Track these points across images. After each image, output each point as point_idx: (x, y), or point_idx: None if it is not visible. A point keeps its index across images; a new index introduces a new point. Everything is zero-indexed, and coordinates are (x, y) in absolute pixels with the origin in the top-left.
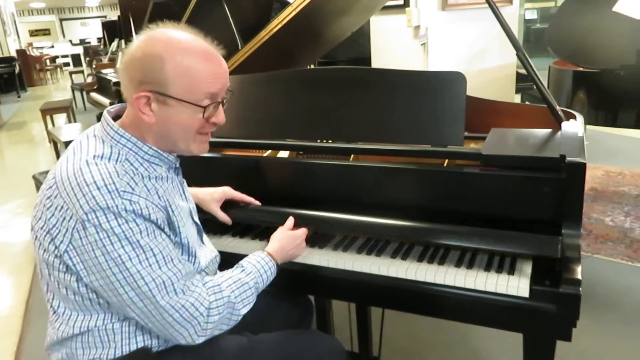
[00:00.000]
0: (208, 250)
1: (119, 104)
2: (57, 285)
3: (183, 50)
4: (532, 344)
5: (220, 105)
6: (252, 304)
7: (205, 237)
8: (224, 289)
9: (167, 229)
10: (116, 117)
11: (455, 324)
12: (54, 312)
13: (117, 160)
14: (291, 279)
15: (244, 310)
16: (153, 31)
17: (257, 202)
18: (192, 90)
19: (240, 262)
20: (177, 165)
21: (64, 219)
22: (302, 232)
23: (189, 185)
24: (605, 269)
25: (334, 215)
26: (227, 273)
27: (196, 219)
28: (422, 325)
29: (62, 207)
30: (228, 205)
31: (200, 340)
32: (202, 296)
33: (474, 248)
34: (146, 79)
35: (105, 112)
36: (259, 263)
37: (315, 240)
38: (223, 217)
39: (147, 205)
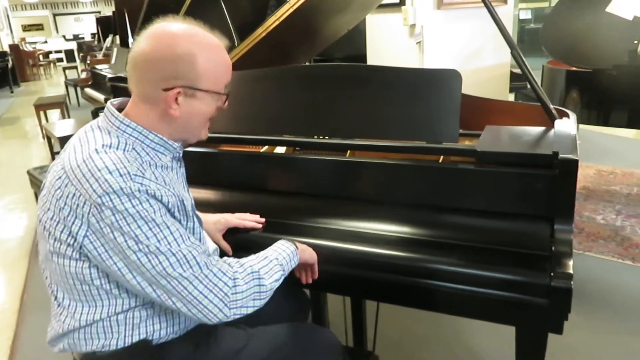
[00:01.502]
0: (209, 241)
1: (120, 98)
2: (65, 276)
3: (208, 45)
4: (524, 337)
5: None
6: (279, 277)
7: (203, 232)
8: (245, 262)
9: (177, 214)
10: (119, 109)
11: (450, 318)
12: (59, 305)
13: (124, 149)
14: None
15: (271, 282)
16: (163, 27)
17: (259, 225)
18: (217, 81)
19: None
20: (181, 155)
21: (78, 205)
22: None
23: (188, 181)
24: (597, 267)
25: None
26: (250, 257)
27: (196, 211)
28: (416, 319)
29: (74, 194)
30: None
31: (233, 315)
32: (225, 267)
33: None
34: (177, 74)
35: (108, 104)
36: (274, 245)
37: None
38: (225, 246)
39: (159, 188)
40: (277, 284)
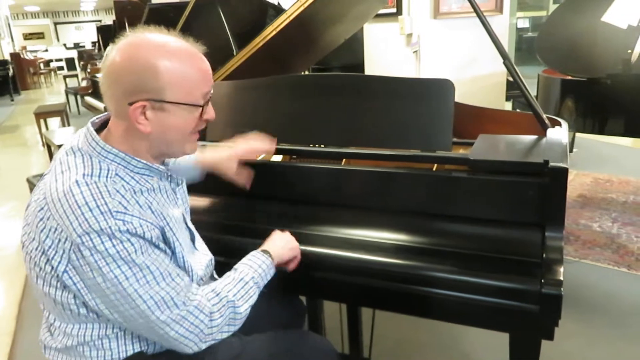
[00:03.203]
0: (202, 254)
1: (103, 114)
2: (53, 301)
3: (174, 54)
4: (517, 343)
5: (209, 102)
6: (253, 300)
7: (198, 240)
8: (220, 291)
9: (162, 245)
10: (102, 126)
11: (446, 324)
12: (51, 324)
13: (107, 176)
14: (283, 279)
15: (246, 307)
16: (134, 38)
17: (273, 146)
18: (190, 92)
19: (234, 265)
20: (169, 174)
21: (59, 240)
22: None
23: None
24: (592, 274)
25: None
26: (222, 278)
27: (189, 223)
28: (412, 326)
29: (55, 229)
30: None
31: (206, 345)
32: (202, 303)
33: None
34: (139, 88)
35: (89, 125)
36: (250, 260)
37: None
38: (241, 182)
39: (141, 224)
40: (249, 310)
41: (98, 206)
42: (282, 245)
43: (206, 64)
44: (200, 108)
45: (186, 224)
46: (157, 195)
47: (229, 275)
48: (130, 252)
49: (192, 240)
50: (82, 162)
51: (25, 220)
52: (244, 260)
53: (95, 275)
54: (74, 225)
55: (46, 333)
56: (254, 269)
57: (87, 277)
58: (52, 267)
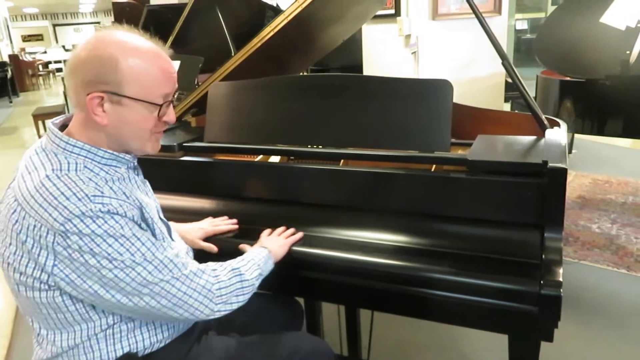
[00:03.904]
0: (177, 245)
1: (62, 116)
2: (38, 307)
3: (136, 51)
4: (516, 345)
5: (171, 104)
6: (258, 276)
7: (175, 234)
8: (222, 263)
9: (143, 225)
10: (63, 127)
11: (445, 325)
12: (38, 334)
13: (76, 170)
14: (280, 280)
15: (252, 277)
16: (100, 32)
17: (235, 227)
18: (149, 90)
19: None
20: (135, 164)
21: (41, 236)
22: (288, 233)
23: (185, 190)
24: (592, 275)
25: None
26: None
27: (162, 217)
28: (411, 327)
29: (34, 225)
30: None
31: (220, 309)
32: (203, 266)
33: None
34: (99, 79)
35: (50, 124)
36: (250, 250)
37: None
38: (207, 247)
39: (120, 204)
40: (257, 282)
41: (74, 193)
42: (272, 244)
43: (171, 66)
44: (158, 108)
45: (160, 217)
46: (128, 184)
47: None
48: (116, 228)
49: (169, 232)
50: (49, 159)
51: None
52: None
53: (87, 258)
54: (53, 216)
55: (36, 347)
56: (253, 254)
57: (79, 263)
58: (39, 266)
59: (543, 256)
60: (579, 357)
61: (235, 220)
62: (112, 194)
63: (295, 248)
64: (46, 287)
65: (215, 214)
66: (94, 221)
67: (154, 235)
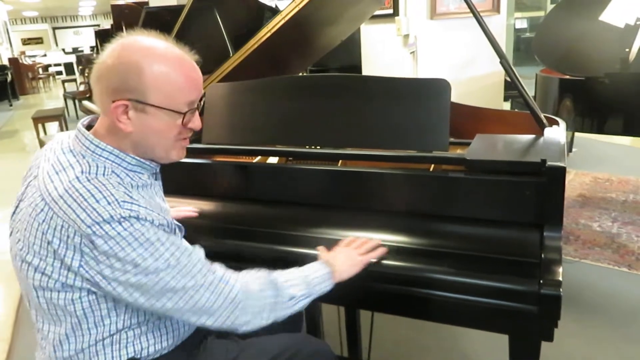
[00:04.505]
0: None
1: (89, 116)
2: (54, 308)
3: (161, 58)
4: (517, 345)
5: (196, 111)
6: (306, 294)
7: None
8: (260, 271)
9: (167, 229)
10: (88, 127)
11: (446, 326)
12: (43, 338)
13: (104, 174)
14: None
15: (294, 294)
16: (126, 39)
17: (194, 214)
18: (173, 97)
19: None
20: (158, 170)
21: (68, 237)
22: (369, 246)
23: (183, 192)
24: (593, 274)
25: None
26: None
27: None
28: (412, 328)
29: (62, 226)
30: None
31: (248, 321)
32: (229, 274)
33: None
34: (123, 87)
35: (79, 125)
36: (310, 264)
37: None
38: (185, 214)
39: (148, 212)
40: (300, 302)
41: (105, 197)
42: (342, 261)
43: (196, 73)
44: (182, 115)
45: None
46: (149, 190)
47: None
48: (143, 232)
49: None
50: (77, 161)
51: (16, 229)
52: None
53: (112, 262)
54: (81, 218)
55: (39, 352)
56: (309, 269)
57: (105, 265)
58: (66, 266)
59: (542, 255)
60: (580, 356)
61: (195, 210)
62: (141, 200)
63: (293, 249)
64: (67, 288)
65: (213, 215)
66: (121, 224)
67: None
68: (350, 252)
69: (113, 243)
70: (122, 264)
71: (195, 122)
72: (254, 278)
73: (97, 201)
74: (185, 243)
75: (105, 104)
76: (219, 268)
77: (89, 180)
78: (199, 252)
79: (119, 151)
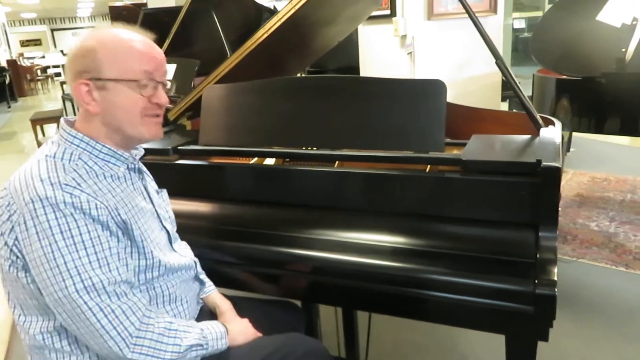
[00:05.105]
0: (178, 256)
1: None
2: (14, 288)
3: (113, 37)
4: (513, 345)
5: (161, 87)
6: (193, 344)
7: (181, 243)
8: (167, 317)
9: (113, 228)
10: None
11: (443, 327)
12: (17, 321)
13: (70, 159)
14: (276, 283)
15: (184, 344)
16: (86, 31)
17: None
18: (126, 68)
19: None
20: (137, 165)
21: (10, 214)
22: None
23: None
24: (590, 273)
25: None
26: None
27: (166, 224)
28: (409, 328)
29: (9, 203)
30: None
31: (132, 355)
32: (138, 305)
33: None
34: (82, 69)
35: (62, 119)
36: (207, 322)
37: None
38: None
39: (89, 200)
40: (187, 353)
41: (49, 177)
42: (237, 331)
43: (150, 48)
44: (140, 85)
45: (161, 223)
46: (123, 184)
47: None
48: (71, 227)
49: (170, 240)
50: (49, 148)
51: None
52: (210, 326)
53: (34, 248)
54: (24, 194)
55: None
56: (206, 326)
57: (28, 250)
58: (5, 243)
59: (538, 255)
60: (578, 356)
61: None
62: (91, 189)
63: (290, 250)
64: (13, 269)
65: (210, 217)
66: (54, 211)
67: (132, 241)
68: (245, 325)
69: (40, 228)
70: (42, 253)
71: (161, 97)
72: (157, 320)
73: (42, 180)
74: (116, 256)
75: (73, 91)
76: (131, 298)
77: (46, 162)
78: (123, 273)
79: (89, 138)
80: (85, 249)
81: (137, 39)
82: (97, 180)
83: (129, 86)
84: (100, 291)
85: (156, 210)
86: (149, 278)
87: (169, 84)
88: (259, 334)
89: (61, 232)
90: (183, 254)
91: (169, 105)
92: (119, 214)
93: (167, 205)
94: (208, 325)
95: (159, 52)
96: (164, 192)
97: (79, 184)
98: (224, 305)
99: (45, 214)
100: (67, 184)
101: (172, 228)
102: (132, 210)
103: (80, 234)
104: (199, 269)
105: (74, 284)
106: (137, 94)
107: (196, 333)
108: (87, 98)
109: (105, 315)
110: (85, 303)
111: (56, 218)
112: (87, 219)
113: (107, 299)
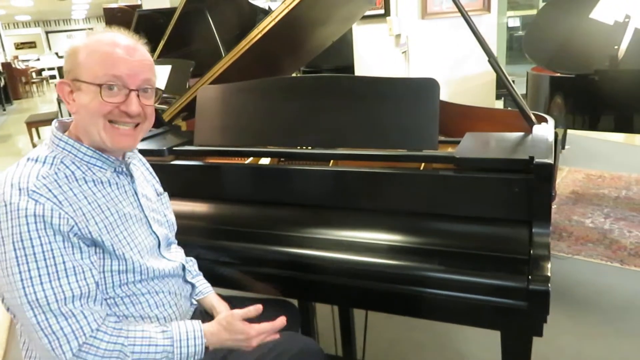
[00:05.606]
0: (166, 261)
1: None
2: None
3: (96, 40)
4: (508, 341)
5: (135, 96)
6: (157, 350)
7: (174, 248)
8: (124, 336)
9: (74, 239)
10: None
11: (439, 324)
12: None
13: (52, 164)
14: (272, 282)
15: (143, 344)
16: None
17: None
18: (95, 70)
19: (173, 321)
20: (125, 169)
21: None
22: (254, 332)
23: (176, 194)
24: (585, 270)
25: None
26: (148, 326)
27: (157, 229)
28: (406, 326)
29: None
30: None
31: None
32: (82, 325)
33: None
34: (67, 68)
35: (54, 121)
36: (187, 334)
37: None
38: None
39: (53, 208)
40: (149, 355)
41: (19, 182)
42: (226, 338)
43: (127, 54)
44: (108, 91)
45: (151, 228)
46: (107, 188)
47: (152, 329)
48: (25, 238)
49: (160, 245)
50: (36, 150)
51: None
52: (183, 328)
53: None
54: None
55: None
56: (179, 345)
57: None
58: None
59: (531, 252)
60: (573, 352)
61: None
62: (62, 197)
63: (285, 249)
64: None
65: (206, 217)
66: (13, 218)
67: (101, 246)
68: (241, 330)
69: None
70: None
71: (130, 106)
72: (105, 338)
73: (12, 185)
74: (74, 270)
75: (57, 88)
76: (81, 314)
77: (25, 166)
78: (82, 288)
79: (74, 141)
80: (36, 261)
81: (121, 43)
82: (76, 185)
83: (94, 90)
84: (44, 308)
85: (145, 215)
86: (131, 280)
87: (151, 93)
88: (253, 333)
89: (19, 241)
90: (172, 258)
91: (163, 107)
92: (87, 225)
93: (166, 209)
94: (183, 333)
95: (139, 59)
96: (165, 195)
97: (49, 190)
98: (221, 307)
99: (6, 220)
100: (34, 191)
101: (168, 232)
102: (112, 216)
103: (33, 246)
104: (194, 270)
105: (21, 296)
106: (98, 97)
107: (155, 355)
108: (68, 98)
109: (46, 335)
110: (29, 318)
111: (14, 226)
112: (46, 229)
113: (51, 318)
